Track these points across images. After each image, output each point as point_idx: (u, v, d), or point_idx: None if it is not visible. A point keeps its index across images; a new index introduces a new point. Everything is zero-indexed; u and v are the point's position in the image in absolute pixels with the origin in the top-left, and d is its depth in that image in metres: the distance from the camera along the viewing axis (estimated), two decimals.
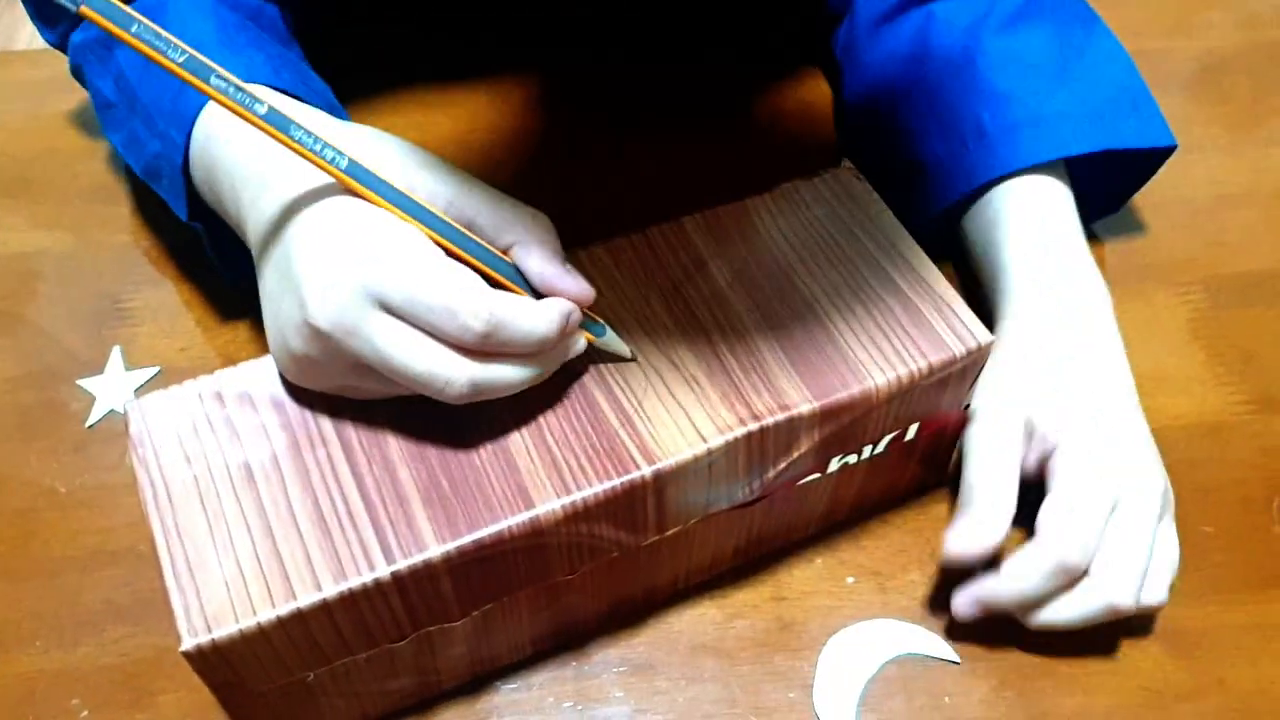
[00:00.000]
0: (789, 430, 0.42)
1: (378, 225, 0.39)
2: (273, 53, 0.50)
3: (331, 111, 0.49)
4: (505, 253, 0.41)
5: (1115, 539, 0.45)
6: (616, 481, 0.40)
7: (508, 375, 0.39)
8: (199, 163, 0.47)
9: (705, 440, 0.41)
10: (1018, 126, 0.54)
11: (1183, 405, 0.55)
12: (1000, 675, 0.47)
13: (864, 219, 0.48)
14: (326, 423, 0.42)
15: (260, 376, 0.43)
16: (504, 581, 0.41)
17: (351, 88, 0.58)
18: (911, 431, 0.46)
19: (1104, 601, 0.44)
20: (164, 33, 0.37)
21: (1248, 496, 0.52)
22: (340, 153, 0.39)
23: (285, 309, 0.39)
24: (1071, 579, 0.45)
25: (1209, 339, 0.57)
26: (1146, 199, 0.62)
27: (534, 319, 0.39)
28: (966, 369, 0.45)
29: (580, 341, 0.42)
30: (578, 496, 0.40)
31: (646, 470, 0.40)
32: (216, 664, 0.38)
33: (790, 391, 0.42)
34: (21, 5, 0.56)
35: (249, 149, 0.43)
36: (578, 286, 0.41)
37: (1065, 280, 0.52)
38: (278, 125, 0.38)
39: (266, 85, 0.46)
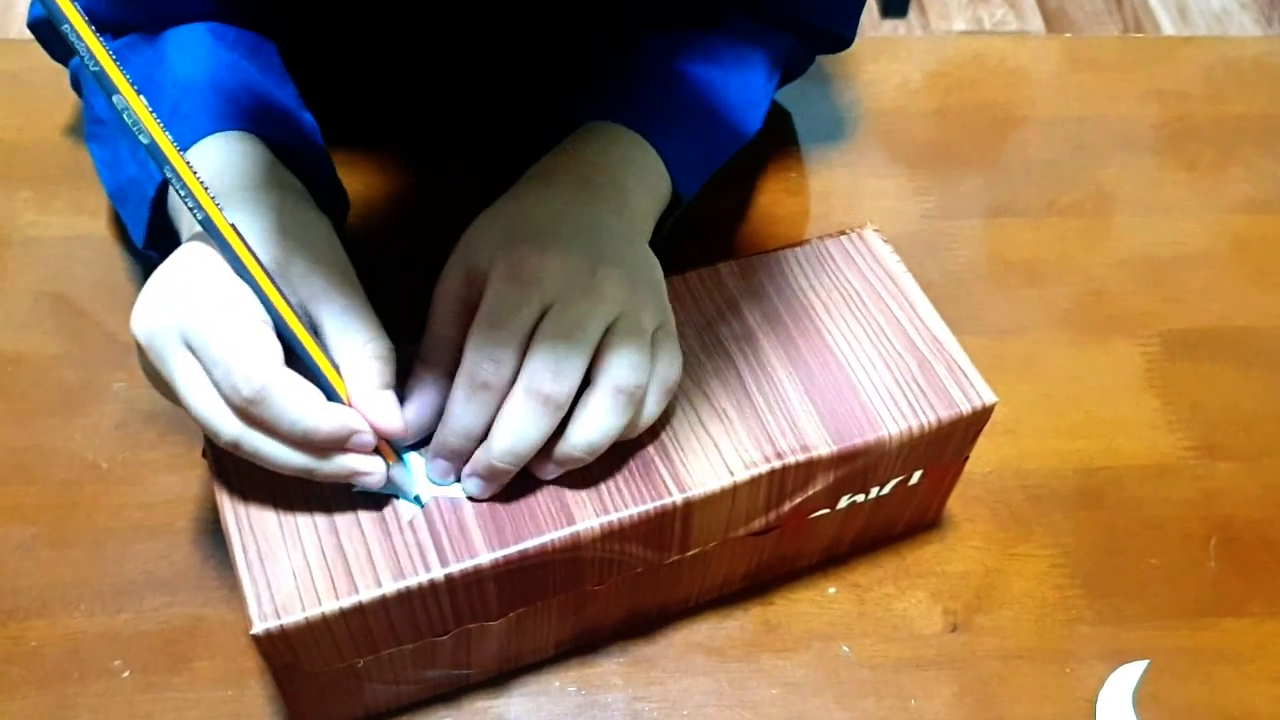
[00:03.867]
0: (807, 469, 0.46)
1: (216, 275, 0.41)
2: (261, 95, 0.52)
3: (308, 150, 0.51)
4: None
5: (540, 334, 0.42)
6: (650, 505, 0.44)
7: (267, 450, 0.41)
8: (174, 200, 0.50)
9: (732, 474, 0.45)
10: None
11: (1136, 447, 0.60)
12: (961, 683, 0.52)
13: (886, 278, 0.52)
14: None
15: None
16: (541, 588, 0.45)
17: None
18: (915, 477, 0.51)
19: (520, 388, 0.42)
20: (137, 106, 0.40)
21: (1189, 534, 0.57)
22: (223, 208, 0.42)
23: None
24: (485, 391, 0.43)
25: (1162, 388, 0.62)
26: (1113, 255, 0.68)
27: (306, 410, 0.40)
28: (971, 425, 0.49)
29: (374, 472, 0.42)
30: (614, 517, 0.44)
31: (678, 497, 0.44)
32: (281, 647, 0.42)
33: (811, 433, 0.46)
34: None
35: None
36: (383, 417, 0.42)
37: (597, 168, 0.50)
38: (186, 160, 0.41)
39: (243, 130, 0.49)
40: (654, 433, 0.46)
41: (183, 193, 0.41)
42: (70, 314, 0.62)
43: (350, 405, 0.42)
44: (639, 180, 0.52)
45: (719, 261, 0.52)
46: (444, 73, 0.69)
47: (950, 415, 0.48)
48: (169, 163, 0.41)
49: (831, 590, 0.54)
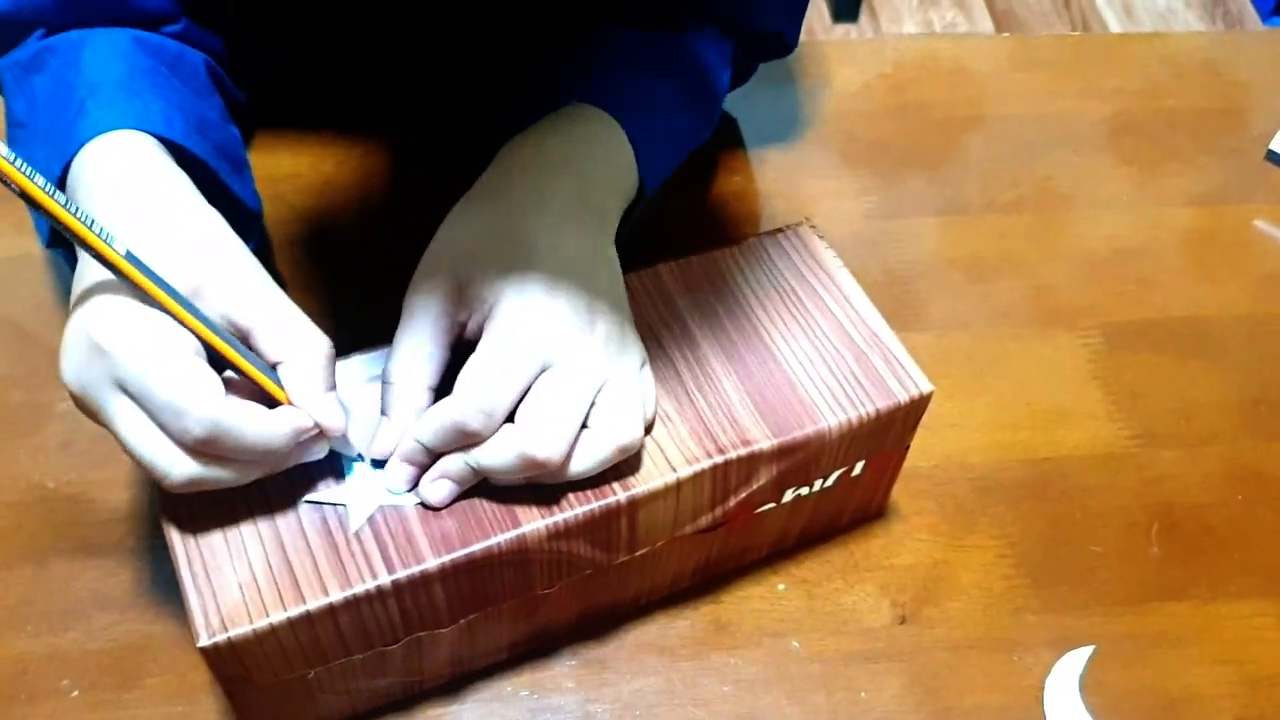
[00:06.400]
0: (750, 464, 0.47)
1: (135, 314, 0.40)
2: (175, 101, 0.51)
3: (229, 162, 0.51)
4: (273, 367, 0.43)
5: (540, 394, 0.44)
6: (595, 505, 0.45)
7: (228, 476, 0.41)
8: (69, 195, 0.47)
9: (675, 470, 0.46)
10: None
11: (1079, 437, 0.61)
12: (910, 674, 0.52)
13: (822, 274, 0.52)
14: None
15: None
16: (490, 593, 0.46)
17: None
18: (858, 468, 0.51)
19: (516, 451, 0.43)
20: None
21: (1132, 521, 0.58)
22: (116, 238, 0.40)
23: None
24: (470, 439, 0.43)
25: (1104, 379, 0.63)
26: (1054, 250, 0.69)
27: (261, 430, 0.41)
28: (909, 414, 0.50)
29: (321, 449, 0.44)
30: (560, 518, 0.44)
31: (622, 496, 0.45)
32: (229, 659, 0.42)
33: (752, 429, 0.47)
34: None
35: (105, 201, 0.45)
36: (327, 417, 0.42)
37: (567, 140, 0.51)
38: (61, 202, 0.39)
39: (151, 133, 0.48)
40: None
41: (72, 238, 0.40)
42: (14, 335, 0.61)
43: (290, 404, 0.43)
44: (611, 177, 0.52)
45: (659, 264, 0.53)
46: (423, 65, 0.69)
47: (888, 405, 0.48)
48: (45, 208, 0.39)
49: (781, 587, 0.55)
